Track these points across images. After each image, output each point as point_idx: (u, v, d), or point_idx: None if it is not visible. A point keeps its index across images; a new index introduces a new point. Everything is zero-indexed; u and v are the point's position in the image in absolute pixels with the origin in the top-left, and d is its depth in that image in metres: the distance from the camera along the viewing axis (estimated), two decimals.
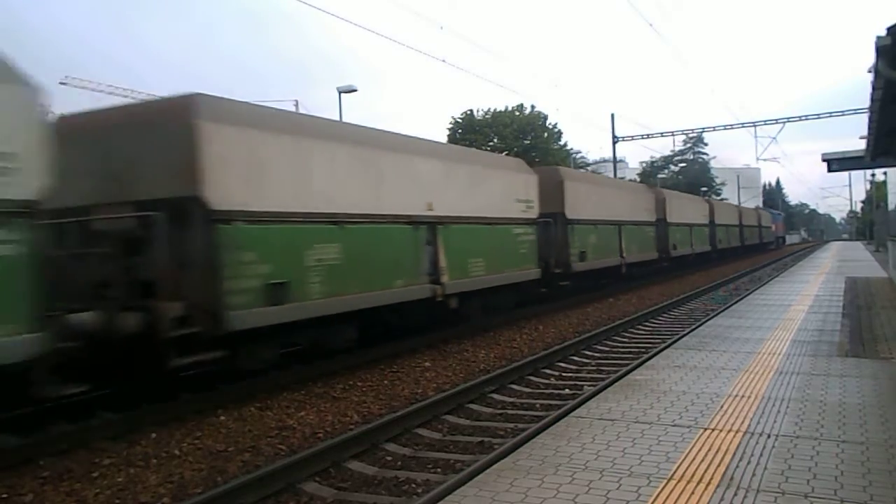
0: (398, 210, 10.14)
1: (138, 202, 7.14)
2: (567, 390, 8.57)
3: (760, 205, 79.95)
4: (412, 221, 10.45)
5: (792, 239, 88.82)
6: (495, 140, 48.07)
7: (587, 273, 17.57)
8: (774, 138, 35.38)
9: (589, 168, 57.16)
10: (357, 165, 9.31)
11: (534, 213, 14.46)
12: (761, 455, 4.33)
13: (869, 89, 8.88)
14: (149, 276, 7.12)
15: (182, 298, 6.98)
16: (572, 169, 35.44)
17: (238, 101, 8.55)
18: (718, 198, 63.06)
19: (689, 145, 74.54)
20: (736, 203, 50.84)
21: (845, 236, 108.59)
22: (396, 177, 10.16)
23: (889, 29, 6.73)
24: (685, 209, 28.21)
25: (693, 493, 3.76)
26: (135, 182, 7.26)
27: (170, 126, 7.22)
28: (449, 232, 11.28)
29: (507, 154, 39.47)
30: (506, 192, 13.46)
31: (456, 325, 12.26)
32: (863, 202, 75.63)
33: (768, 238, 54.27)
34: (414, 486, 5.35)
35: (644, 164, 76.23)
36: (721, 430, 4.89)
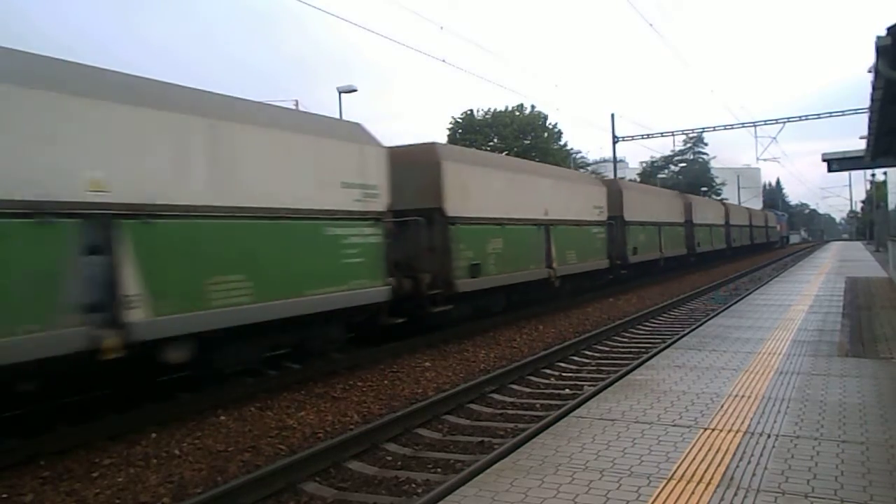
0: (529, 215, 14.24)
1: (415, 210, 11.14)
2: (567, 390, 8.57)
3: (761, 205, 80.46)
4: (536, 223, 14.58)
5: (793, 239, 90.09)
6: (495, 140, 48.07)
7: (639, 264, 21.67)
8: (774, 138, 35.37)
9: (589, 168, 57.15)
10: (507, 185, 13.60)
11: (605, 216, 18.67)
12: (761, 455, 4.33)
13: (869, 89, 8.88)
14: (414, 256, 11.08)
15: (429, 271, 11.12)
16: (628, 181, 38.28)
17: (454, 146, 14.47)
18: (718, 198, 63.40)
19: (689, 145, 74.53)
20: (743, 205, 53.11)
21: (845, 236, 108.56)
22: (527, 191, 14.30)
23: (889, 29, 6.73)
24: (707, 212, 32.31)
25: (693, 493, 3.76)
26: (410, 198, 11.09)
27: (427, 164, 11.53)
28: (557, 231, 15.42)
29: (507, 154, 39.54)
30: (588, 201, 17.72)
31: (560, 299, 16.49)
32: (863, 202, 75.59)
33: (774, 237, 58.46)
34: (414, 486, 5.35)
35: (644, 164, 76.22)
36: (721, 430, 4.89)
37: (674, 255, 25.90)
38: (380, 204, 9.68)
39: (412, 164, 11.37)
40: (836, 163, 23.10)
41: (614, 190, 20.35)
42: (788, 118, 33.75)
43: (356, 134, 9.62)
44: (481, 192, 12.48)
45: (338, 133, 9.25)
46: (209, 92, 7.86)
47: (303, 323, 8.33)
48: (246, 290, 7.38)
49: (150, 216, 6.46)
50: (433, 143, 12.22)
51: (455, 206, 11.63)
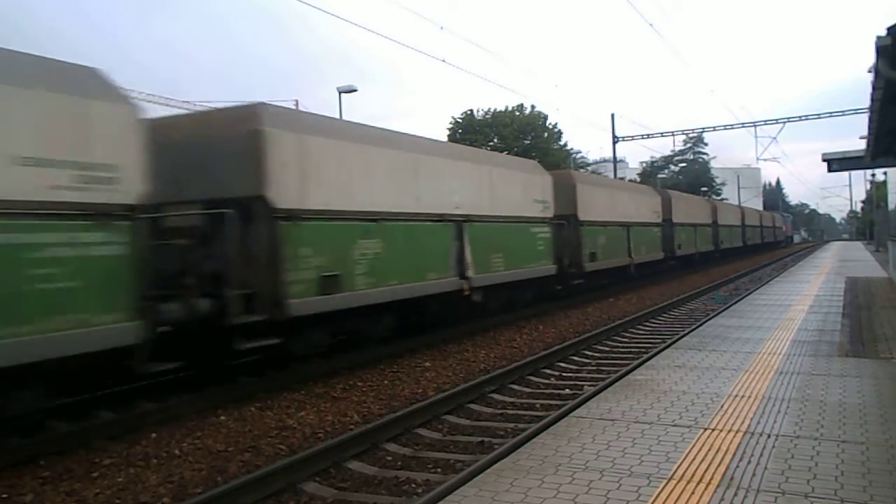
0: (429, 209, 11.16)
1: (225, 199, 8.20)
2: (567, 390, 8.56)
3: (761, 205, 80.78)
4: (441, 219, 12.62)
5: (794, 238, 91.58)
6: (495, 140, 48.06)
7: (600, 272, 18.80)
8: (774, 138, 35.40)
9: (589, 168, 57.15)
10: (389, 168, 10.34)
11: (550, 213, 16.49)
12: (761, 455, 4.33)
13: (869, 89, 8.88)
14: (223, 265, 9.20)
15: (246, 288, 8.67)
16: (587, 173, 38.16)
17: (294, 110, 13.58)
18: (718, 198, 63.95)
19: (689, 145, 74.51)
20: (744, 206, 55.65)
21: (845, 236, 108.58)
22: (426, 178, 11.39)
23: (889, 29, 6.73)
24: (728, 215, 38.07)
25: (693, 493, 3.76)
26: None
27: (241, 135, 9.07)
28: (475, 229, 13.59)
29: (507, 153, 39.52)
30: (526, 192, 15.83)
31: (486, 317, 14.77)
32: (863, 202, 75.64)
33: (780, 237, 66.76)
34: (414, 486, 5.35)
35: (644, 164, 76.21)
36: (721, 430, 4.89)
37: (702, 251, 27.95)
38: (550, 212, 15.17)
39: (222, 136, 8.17)
40: (836, 163, 23.08)
41: (566, 184, 16.79)
42: (788, 118, 33.81)
43: (537, 169, 15.64)
44: (341, 175, 9.05)
45: (529, 169, 15.17)
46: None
47: (518, 286, 13.81)
48: (502, 262, 12.93)
49: (472, 221, 12.01)
50: (255, 105, 8.45)
51: (288, 194, 8.14)
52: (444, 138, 46.68)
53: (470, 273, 11.88)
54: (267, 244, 7.92)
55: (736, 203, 55.11)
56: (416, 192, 10.68)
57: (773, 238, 57.53)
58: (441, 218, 11.31)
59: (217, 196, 7.86)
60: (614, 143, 37.12)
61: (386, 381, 8.85)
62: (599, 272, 18.18)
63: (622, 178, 41.30)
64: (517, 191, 14.14)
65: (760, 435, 4.75)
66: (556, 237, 15.58)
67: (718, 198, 63.63)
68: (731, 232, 37.55)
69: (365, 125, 10.71)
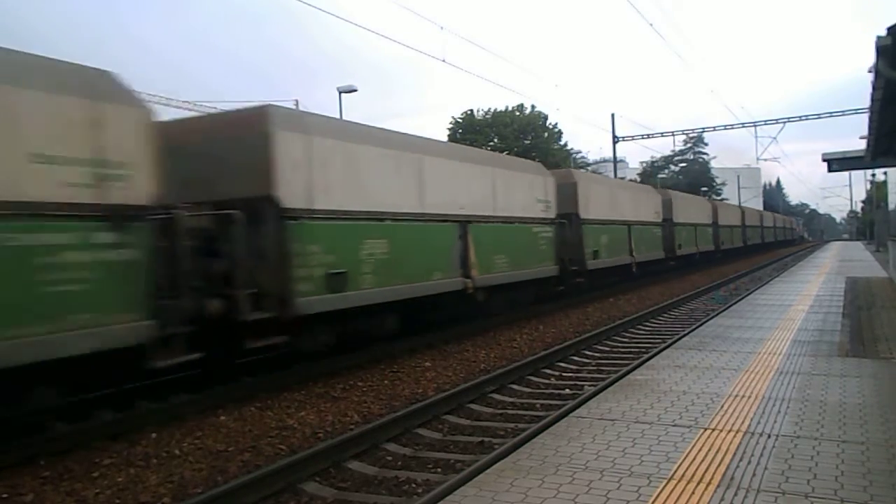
0: (439, 209, 11.90)
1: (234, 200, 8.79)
2: (567, 390, 8.56)
3: (761, 205, 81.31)
4: (446, 219, 13.44)
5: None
6: (495, 140, 48.08)
7: (602, 271, 19.00)
8: (774, 138, 35.37)
9: (589, 168, 57.14)
10: (394, 168, 10.58)
11: (552, 213, 16.45)
12: (762, 455, 4.33)
13: (869, 89, 8.88)
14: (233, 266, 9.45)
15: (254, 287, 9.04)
16: (588, 172, 39.06)
17: (302, 112, 12.87)
18: (718, 198, 64.44)
19: (689, 145, 74.54)
20: (749, 206, 59.91)
21: (846, 236, 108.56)
22: (430, 179, 12.32)
23: (889, 29, 6.74)
24: (753, 218, 46.30)
25: (693, 493, 3.76)
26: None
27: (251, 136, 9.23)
28: (479, 230, 14.76)
29: (507, 153, 39.51)
30: (529, 193, 15.91)
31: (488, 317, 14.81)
32: (863, 202, 75.66)
33: (793, 236, 79.29)
34: (414, 485, 5.35)
35: (644, 164, 76.22)
36: (721, 430, 4.89)
37: (733, 247, 30.57)
38: (552, 212, 15.33)
39: (232, 137, 8.32)
40: (837, 163, 23.09)
41: (567, 183, 16.84)
42: (788, 118, 33.77)
43: (540, 169, 15.80)
44: (348, 175, 9.17)
45: (531, 170, 15.30)
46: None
47: (521, 286, 13.94)
48: (506, 263, 13.10)
49: (476, 222, 12.20)
50: (264, 106, 8.58)
51: (296, 194, 8.28)
52: (445, 138, 46.70)
53: (474, 273, 11.98)
54: (275, 244, 8.05)
55: (751, 207, 60.75)
56: (421, 193, 10.83)
57: (785, 237, 70.17)
58: (446, 218, 11.41)
59: (226, 197, 7.92)
60: (614, 143, 37.11)
61: (386, 381, 8.85)
62: (602, 271, 18.30)
63: (622, 178, 41.30)
64: (520, 192, 14.24)
65: (761, 435, 4.75)
66: (558, 237, 15.54)
67: (719, 198, 64.18)
68: (757, 232, 48.26)
69: (371, 126, 10.68)
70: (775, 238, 60.09)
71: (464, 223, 11.90)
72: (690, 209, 29.12)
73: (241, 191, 8.01)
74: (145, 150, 6.63)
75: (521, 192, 14.21)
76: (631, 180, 50.52)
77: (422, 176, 10.85)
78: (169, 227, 6.96)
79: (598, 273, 18.03)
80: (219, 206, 7.87)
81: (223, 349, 8.05)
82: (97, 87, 6.38)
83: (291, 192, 8.17)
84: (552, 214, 15.34)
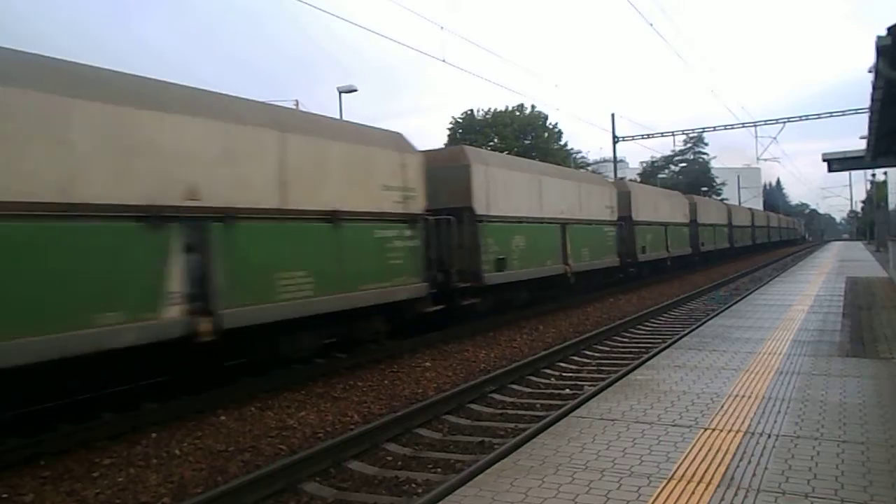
0: (551, 214, 15.83)
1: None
2: (567, 390, 8.57)
3: (761, 205, 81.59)
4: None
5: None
6: (495, 140, 48.07)
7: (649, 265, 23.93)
8: (775, 138, 35.31)
9: (589, 168, 57.15)
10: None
11: (615, 216, 20.50)
12: (762, 455, 4.33)
13: (869, 89, 8.88)
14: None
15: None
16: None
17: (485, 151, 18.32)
18: (719, 198, 64.70)
19: (689, 145, 74.57)
20: (758, 209, 65.77)
21: (846, 236, 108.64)
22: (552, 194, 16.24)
23: (889, 29, 6.74)
24: (760, 219, 51.23)
25: (693, 493, 3.76)
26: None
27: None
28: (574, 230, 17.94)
29: (507, 153, 39.54)
30: (600, 201, 19.46)
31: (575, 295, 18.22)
32: (863, 202, 75.69)
33: (797, 236, 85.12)
34: (414, 485, 5.35)
35: (644, 164, 76.25)
36: (721, 430, 4.89)
37: (767, 241, 32.70)
38: (615, 215, 18.58)
39: (446, 167, 12.72)
40: (837, 163, 23.10)
41: (623, 191, 21.48)
42: (788, 118, 33.67)
43: (606, 181, 17.66)
44: (506, 192, 14.08)
45: (601, 182, 17.23)
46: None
47: (597, 272, 17.19)
48: (588, 254, 16.12)
49: (570, 223, 15.43)
50: (463, 147, 14.03)
51: (482, 205, 12.92)
52: (445, 138, 46.75)
53: (570, 262, 16.66)
54: (471, 238, 12.56)
55: (759, 210, 65.26)
56: (540, 204, 15.35)
57: (790, 237, 76.10)
58: (554, 220, 15.88)
59: (444, 206, 12.01)
60: (615, 143, 37.09)
61: (386, 381, 8.85)
62: (648, 262, 22.47)
63: (622, 178, 41.31)
64: (595, 199, 18.75)
65: (761, 435, 4.75)
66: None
67: (719, 198, 64.52)
68: (765, 232, 53.42)
69: (516, 157, 16.99)
70: (780, 237, 65.48)
71: (563, 225, 16.21)
72: (711, 211, 33.76)
73: (451, 203, 12.27)
74: (421, 179, 10.87)
75: (596, 200, 18.52)
76: (631, 180, 50.52)
77: (540, 190, 15.37)
78: (428, 227, 11.16)
79: (645, 265, 22.30)
80: (439, 213, 11.77)
81: (446, 305, 11.67)
82: (400, 144, 10.65)
83: (480, 203, 12.70)
84: (615, 217, 19.42)
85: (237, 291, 7.33)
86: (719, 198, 65.80)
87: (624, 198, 22.24)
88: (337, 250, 8.86)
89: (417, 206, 10.71)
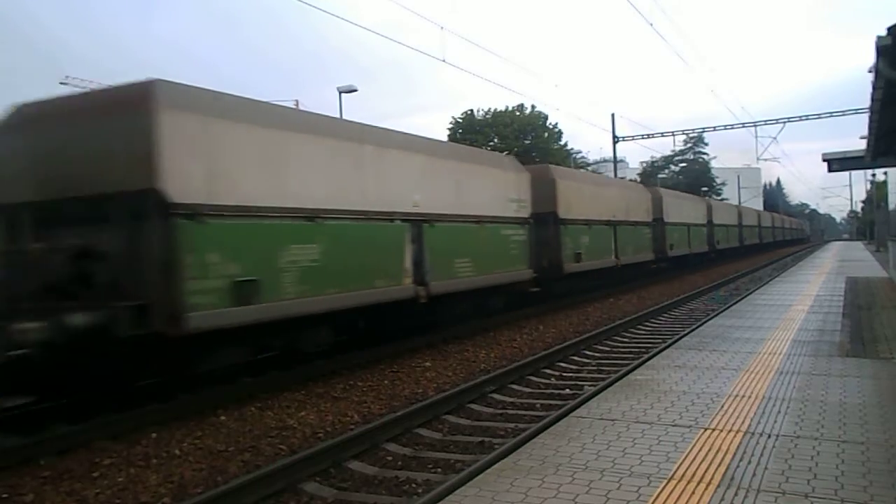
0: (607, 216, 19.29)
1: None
2: (567, 390, 8.56)
3: (761, 205, 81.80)
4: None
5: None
6: (495, 140, 48.07)
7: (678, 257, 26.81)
8: (775, 138, 35.34)
9: (590, 168, 57.17)
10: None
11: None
12: (762, 455, 4.33)
13: (869, 89, 8.88)
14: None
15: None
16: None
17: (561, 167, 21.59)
18: (719, 198, 64.88)
19: (689, 145, 74.55)
20: (776, 215, 72.43)
21: (846, 236, 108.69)
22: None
23: (889, 29, 6.74)
24: (766, 220, 55.15)
25: (693, 493, 3.76)
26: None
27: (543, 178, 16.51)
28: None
29: (507, 153, 39.58)
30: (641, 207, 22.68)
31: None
32: (863, 202, 75.71)
33: (802, 235, 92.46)
34: (414, 485, 5.35)
35: (644, 164, 76.23)
36: (721, 430, 4.89)
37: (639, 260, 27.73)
38: (526, 211, 14.78)
39: (538, 180, 15.39)
40: (837, 163, 23.08)
41: (545, 180, 16.21)
42: (789, 118, 33.68)
43: (512, 164, 14.85)
44: (580, 198, 17.52)
45: (502, 165, 14.42)
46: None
47: (490, 290, 13.40)
48: (470, 267, 12.03)
49: (433, 222, 11.04)
50: (548, 167, 18.23)
51: (563, 208, 16.38)
52: (445, 138, 46.70)
53: (620, 256, 18.91)
54: (555, 237, 16.21)
55: (769, 212, 70.19)
56: (599, 208, 18.31)
57: (797, 237, 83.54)
58: (608, 222, 18.58)
59: (538, 211, 15.10)
60: (615, 143, 37.09)
61: (386, 381, 8.85)
62: (584, 274, 17.52)
63: (622, 178, 41.30)
64: (636, 204, 21.11)
65: (761, 435, 4.75)
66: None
67: (719, 198, 64.67)
68: (773, 232, 59.00)
69: (581, 171, 17.00)
70: (785, 237, 71.04)
71: (615, 226, 19.45)
72: (723, 214, 36.70)
73: (542, 209, 15.23)
74: (528, 192, 14.29)
75: (490, 189, 13.93)
76: (631, 180, 50.56)
77: (600, 197, 19.21)
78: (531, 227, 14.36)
79: (579, 276, 17.70)
80: (536, 217, 14.69)
81: (540, 287, 14.84)
82: (514, 165, 14.50)
83: (562, 209, 16.19)
84: (526, 213, 14.42)
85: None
86: (719, 198, 65.92)
87: (657, 202, 24.57)
88: (485, 242, 12.58)
89: (527, 212, 14.31)
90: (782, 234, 68.13)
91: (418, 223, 10.54)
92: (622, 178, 43.96)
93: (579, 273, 17.12)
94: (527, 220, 14.28)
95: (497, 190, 13.28)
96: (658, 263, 24.61)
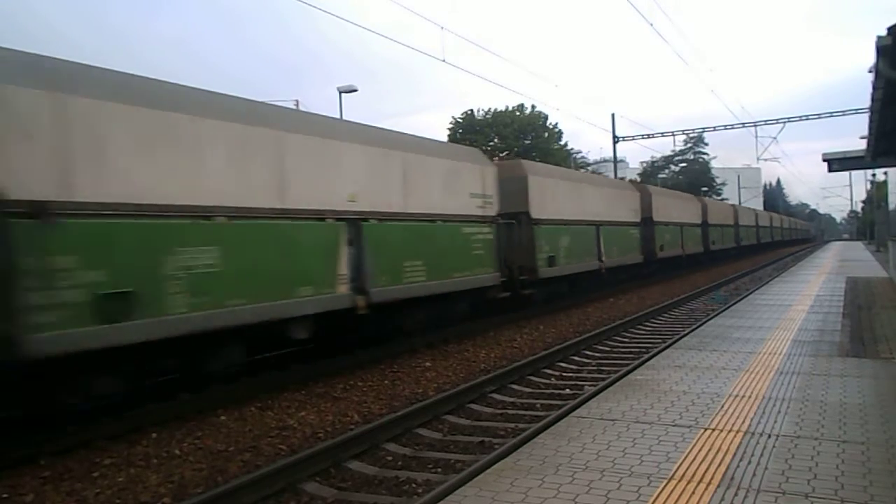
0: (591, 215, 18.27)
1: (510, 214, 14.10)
2: (568, 390, 8.56)
3: (762, 205, 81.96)
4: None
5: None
6: (496, 140, 48.06)
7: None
8: (775, 138, 35.34)
9: (589, 168, 57.15)
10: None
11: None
12: (762, 455, 4.33)
13: (869, 89, 8.88)
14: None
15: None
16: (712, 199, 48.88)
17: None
18: (719, 198, 65.01)
19: (689, 145, 74.55)
20: (785, 216, 79.22)
21: (846, 236, 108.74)
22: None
23: (889, 29, 6.74)
24: (776, 221, 60.03)
25: (693, 493, 3.76)
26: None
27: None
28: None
29: (507, 153, 39.58)
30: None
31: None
32: (863, 202, 75.69)
33: (808, 235, 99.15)
34: (414, 485, 5.35)
35: (644, 164, 76.23)
36: (722, 430, 4.89)
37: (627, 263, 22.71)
38: (492, 208, 13.28)
39: (509, 178, 14.29)
40: (837, 163, 23.08)
41: (516, 176, 14.84)
42: (789, 118, 33.67)
43: (475, 156, 13.58)
44: (554, 198, 15.99)
45: (462, 157, 12.81)
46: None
47: (449, 297, 11.78)
48: (423, 271, 10.66)
49: (376, 220, 9.69)
50: (521, 161, 17.39)
51: (537, 210, 14.98)
52: (445, 138, 46.68)
53: (604, 258, 17.90)
54: (529, 238, 14.65)
55: (779, 214, 75.36)
56: (580, 207, 17.28)
57: (807, 236, 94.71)
58: (590, 223, 17.57)
59: (509, 211, 13.88)
60: (615, 143, 37.10)
61: (386, 381, 8.85)
62: (562, 278, 16.14)
63: (622, 178, 41.32)
64: (623, 202, 20.05)
65: (761, 435, 4.75)
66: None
67: (719, 198, 64.78)
68: (781, 232, 63.99)
69: (558, 167, 17.78)
70: (792, 237, 76.76)
71: (597, 226, 18.45)
72: (719, 213, 36.36)
73: (513, 208, 14.11)
74: (496, 188, 12.97)
75: (623, 203, 21.13)
76: (631, 180, 50.56)
77: (580, 196, 17.40)
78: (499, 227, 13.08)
79: (555, 281, 16.13)
80: (506, 217, 13.60)
81: (511, 293, 13.53)
82: (479, 158, 13.19)
83: (535, 209, 14.73)
84: (492, 212, 13.10)
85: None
86: (720, 198, 66.00)
87: (646, 200, 23.24)
88: (441, 244, 11.29)
89: (493, 209, 12.98)
90: (790, 234, 72.36)
91: (357, 222, 9.16)
92: (622, 177, 44.01)
93: (557, 277, 15.65)
94: (493, 218, 12.82)
95: (457, 185, 11.82)
96: (649, 265, 23.14)
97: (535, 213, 14.84)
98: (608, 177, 36.09)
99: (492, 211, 12.88)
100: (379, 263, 9.51)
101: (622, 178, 38.94)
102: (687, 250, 27.68)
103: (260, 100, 9.42)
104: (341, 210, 8.96)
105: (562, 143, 52.34)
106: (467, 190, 12.14)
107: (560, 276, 15.84)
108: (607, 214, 19.16)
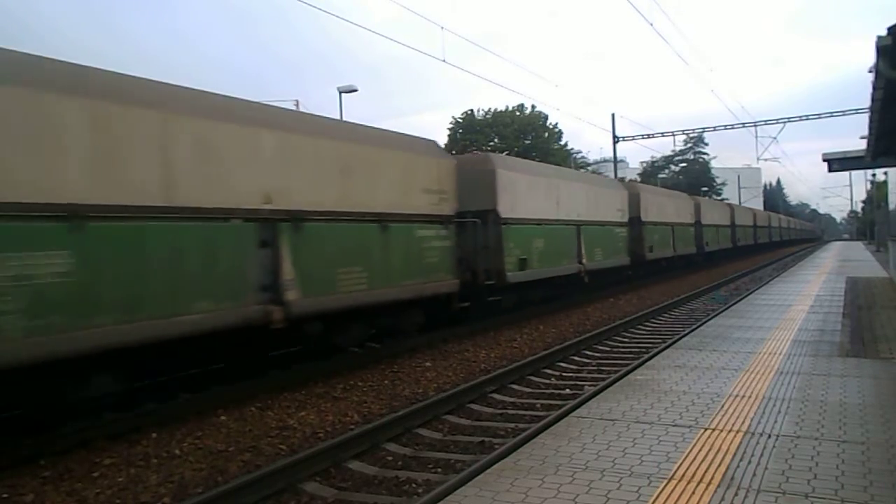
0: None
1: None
2: (568, 390, 8.56)
3: (762, 205, 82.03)
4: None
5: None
6: (496, 140, 48.07)
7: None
8: (775, 138, 35.33)
9: (590, 168, 57.16)
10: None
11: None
12: (762, 455, 4.33)
13: (869, 89, 8.88)
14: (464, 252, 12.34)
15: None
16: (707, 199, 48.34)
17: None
18: (719, 198, 65.10)
19: (689, 145, 74.58)
20: (793, 218, 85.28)
21: (846, 236, 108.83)
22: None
23: (890, 29, 6.73)
24: (784, 222, 65.01)
25: (693, 493, 3.76)
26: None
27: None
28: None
29: (508, 153, 39.56)
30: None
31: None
32: (863, 202, 75.70)
33: (812, 235, 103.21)
34: (414, 485, 5.35)
35: (644, 164, 76.26)
36: (722, 430, 4.89)
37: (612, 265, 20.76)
38: (449, 206, 11.82)
39: (473, 171, 13.05)
40: (837, 163, 23.08)
41: (482, 170, 13.49)
42: (789, 118, 33.66)
43: (430, 149, 11.97)
44: (527, 196, 14.75)
45: (415, 148, 11.20)
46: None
47: (396, 307, 10.53)
48: (363, 278, 9.44)
49: (302, 220, 8.38)
50: (489, 155, 15.96)
51: (506, 208, 13.50)
52: (445, 138, 46.68)
53: (585, 261, 16.28)
54: (496, 239, 13.06)
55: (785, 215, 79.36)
56: (557, 206, 15.89)
57: (812, 235, 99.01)
58: (569, 222, 15.95)
59: (471, 209, 12.54)
60: (615, 143, 37.08)
61: (386, 381, 8.85)
62: (535, 283, 14.69)
63: (622, 178, 41.31)
64: (607, 201, 18.56)
65: (761, 435, 4.75)
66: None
67: (719, 198, 64.93)
68: (788, 232, 68.81)
69: (534, 162, 17.81)
70: (799, 237, 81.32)
71: (578, 226, 16.69)
72: (714, 213, 36.01)
73: (478, 205, 12.73)
74: (453, 183, 11.52)
75: (608, 202, 19.74)
76: (631, 180, 50.57)
77: (558, 194, 15.79)
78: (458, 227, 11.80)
79: (527, 287, 14.74)
80: (464, 216, 12.21)
81: (473, 302, 12.34)
82: (435, 150, 11.64)
83: (504, 207, 13.22)
84: (449, 210, 11.65)
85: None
86: (720, 197, 66.07)
87: (634, 199, 22.00)
88: (386, 246, 9.95)
89: (450, 207, 11.52)
90: (794, 234, 76.13)
91: (273, 223, 7.87)
92: (622, 177, 43.99)
93: (529, 282, 14.15)
94: (449, 217, 11.36)
95: (408, 180, 10.39)
96: (637, 268, 21.68)
97: (505, 211, 13.30)
98: (595, 175, 35.44)
99: (448, 209, 11.39)
100: (303, 271, 8.15)
101: (622, 178, 38.93)
102: (678, 251, 26.24)
103: (262, 100, 9.26)
104: (252, 209, 7.62)
105: (562, 143, 52.37)
106: (419, 186, 10.70)
107: (532, 281, 14.36)
108: (589, 213, 17.54)
